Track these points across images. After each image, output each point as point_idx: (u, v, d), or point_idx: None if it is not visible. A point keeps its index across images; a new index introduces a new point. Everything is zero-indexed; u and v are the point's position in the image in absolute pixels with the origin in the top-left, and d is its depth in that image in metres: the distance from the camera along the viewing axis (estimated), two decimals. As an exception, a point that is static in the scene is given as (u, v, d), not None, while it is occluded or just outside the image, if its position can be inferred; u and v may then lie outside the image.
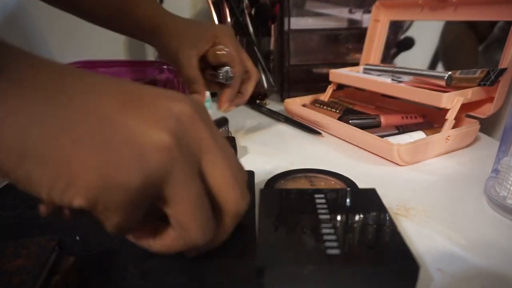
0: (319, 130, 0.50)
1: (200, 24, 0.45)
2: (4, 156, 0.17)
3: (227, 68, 0.43)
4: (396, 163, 0.40)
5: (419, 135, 0.43)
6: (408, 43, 0.59)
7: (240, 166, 0.24)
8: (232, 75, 0.43)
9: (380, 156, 0.42)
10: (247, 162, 0.43)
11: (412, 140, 0.40)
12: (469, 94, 0.42)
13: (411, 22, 0.58)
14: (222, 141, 0.22)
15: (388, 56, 0.61)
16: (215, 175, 0.21)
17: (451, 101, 0.41)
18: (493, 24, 0.46)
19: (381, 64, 0.59)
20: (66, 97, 0.18)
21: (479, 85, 0.42)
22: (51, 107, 0.17)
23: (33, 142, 0.17)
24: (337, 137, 0.49)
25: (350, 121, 0.46)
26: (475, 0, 0.47)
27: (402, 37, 0.59)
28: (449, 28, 0.53)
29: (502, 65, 0.44)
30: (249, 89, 0.48)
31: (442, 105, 0.41)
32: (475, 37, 0.49)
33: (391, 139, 0.42)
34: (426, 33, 0.56)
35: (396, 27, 0.60)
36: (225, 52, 0.43)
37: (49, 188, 0.17)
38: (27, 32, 0.69)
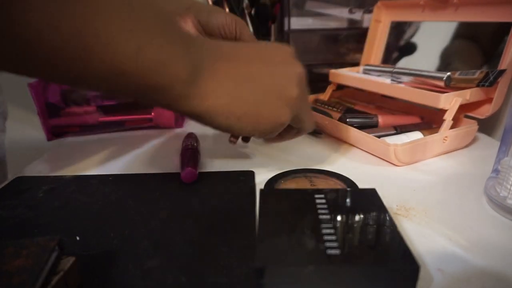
0: (319, 130, 0.50)
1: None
2: (224, 118, 0.27)
3: None
4: (393, 164, 0.40)
5: (416, 135, 0.43)
6: (410, 49, 0.59)
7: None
8: None
9: (379, 157, 0.42)
10: (247, 162, 0.43)
11: (409, 140, 0.40)
12: (467, 95, 0.42)
13: (416, 29, 0.58)
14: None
15: (389, 59, 0.61)
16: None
17: (449, 102, 0.41)
18: (499, 41, 0.45)
19: (381, 65, 0.59)
20: (247, 71, 0.28)
21: (478, 86, 0.42)
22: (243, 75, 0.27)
23: (242, 105, 0.27)
24: (336, 137, 0.49)
25: (347, 120, 0.46)
26: (476, 1, 0.47)
27: (405, 42, 0.59)
28: (453, 48, 0.52)
29: (501, 66, 0.44)
30: None
31: (440, 106, 0.41)
32: (481, 56, 0.49)
33: (388, 139, 0.42)
34: (430, 38, 0.56)
35: (399, 32, 0.60)
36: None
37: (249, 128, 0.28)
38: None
